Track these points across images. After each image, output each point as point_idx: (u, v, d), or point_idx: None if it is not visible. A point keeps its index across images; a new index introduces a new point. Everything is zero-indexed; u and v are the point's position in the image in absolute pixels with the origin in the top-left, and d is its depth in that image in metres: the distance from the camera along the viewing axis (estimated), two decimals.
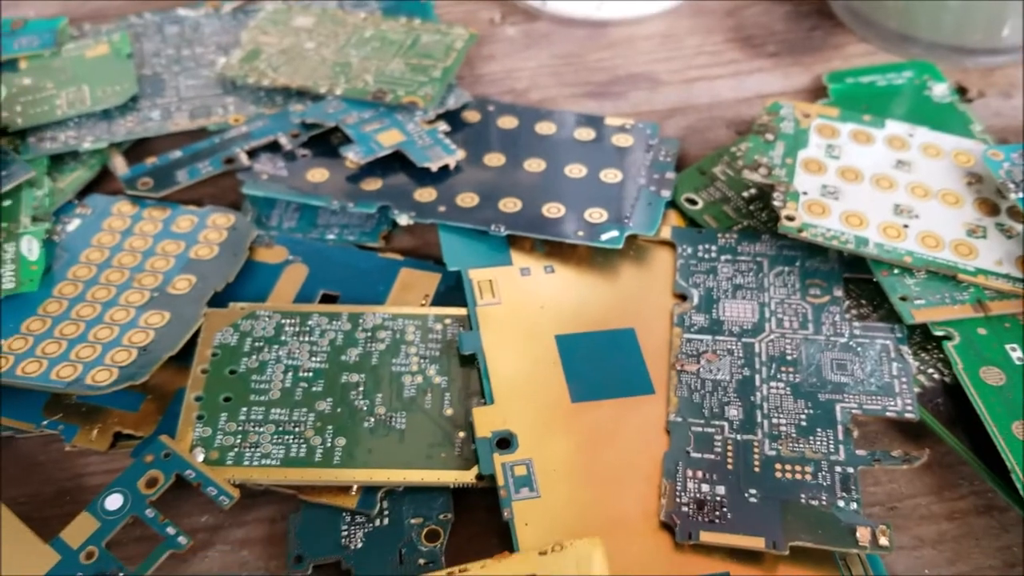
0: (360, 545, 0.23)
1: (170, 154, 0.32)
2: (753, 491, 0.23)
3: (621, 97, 0.35)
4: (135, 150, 0.33)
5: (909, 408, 0.24)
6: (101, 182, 0.32)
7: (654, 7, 0.38)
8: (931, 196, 0.28)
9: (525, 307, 0.27)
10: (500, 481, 0.23)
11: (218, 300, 0.27)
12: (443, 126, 0.32)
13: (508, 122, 0.33)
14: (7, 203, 0.31)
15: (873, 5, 0.35)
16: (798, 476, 0.23)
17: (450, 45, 0.35)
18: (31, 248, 0.29)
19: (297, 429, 0.24)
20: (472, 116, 0.33)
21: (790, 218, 0.28)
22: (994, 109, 0.33)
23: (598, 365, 0.26)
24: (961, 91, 0.34)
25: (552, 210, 0.29)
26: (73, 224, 0.30)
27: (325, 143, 0.32)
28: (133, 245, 0.29)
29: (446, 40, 0.35)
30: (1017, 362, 0.25)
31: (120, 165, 0.32)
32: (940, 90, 0.33)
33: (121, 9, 0.40)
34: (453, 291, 0.28)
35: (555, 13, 0.38)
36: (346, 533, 0.23)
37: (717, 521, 0.22)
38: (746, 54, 0.36)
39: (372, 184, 0.30)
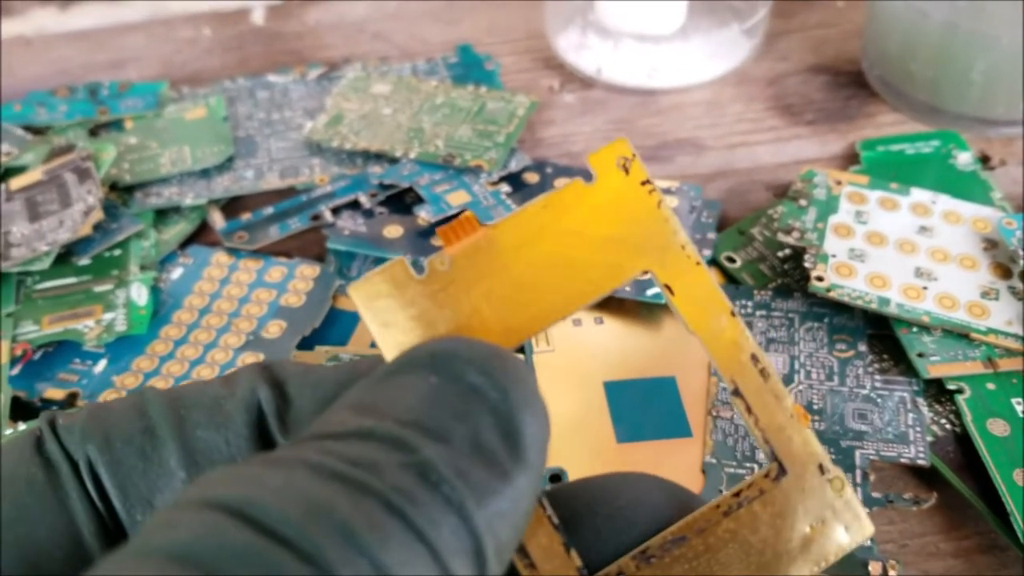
0: None
1: (263, 210, 0.36)
2: None
3: (668, 161, 0.38)
4: (231, 206, 0.37)
5: (922, 455, 0.27)
6: (201, 234, 0.36)
7: (700, 77, 0.41)
8: (950, 260, 0.31)
9: (577, 355, 0.30)
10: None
11: (305, 344, 0.31)
12: (505, 187, 0.35)
13: (564, 183, 0.36)
14: (118, 252, 0.34)
15: (904, 78, 0.38)
16: None
17: (513, 112, 0.38)
18: (140, 294, 0.33)
19: None
20: (531, 177, 0.37)
21: (820, 278, 0.30)
22: (1013, 177, 0.36)
23: (642, 409, 0.29)
24: (984, 160, 0.36)
25: None
26: (176, 272, 0.34)
27: (400, 202, 0.36)
28: (230, 293, 0.33)
29: (509, 107, 0.39)
30: (1021, 415, 0.27)
31: (218, 220, 0.36)
32: (964, 159, 0.36)
33: (216, 74, 0.44)
34: None
35: (609, 82, 0.41)
36: None
37: None
38: (785, 121, 0.39)
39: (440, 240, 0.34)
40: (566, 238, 0.16)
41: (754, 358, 0.16)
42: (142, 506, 0.15)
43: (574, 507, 0.16)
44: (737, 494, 0.16)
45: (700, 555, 0.16)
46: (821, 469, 0.16)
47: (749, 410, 0.16)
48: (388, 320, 0.15)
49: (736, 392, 0.16)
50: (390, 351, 0.15)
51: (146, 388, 0.17)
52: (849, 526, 0.16)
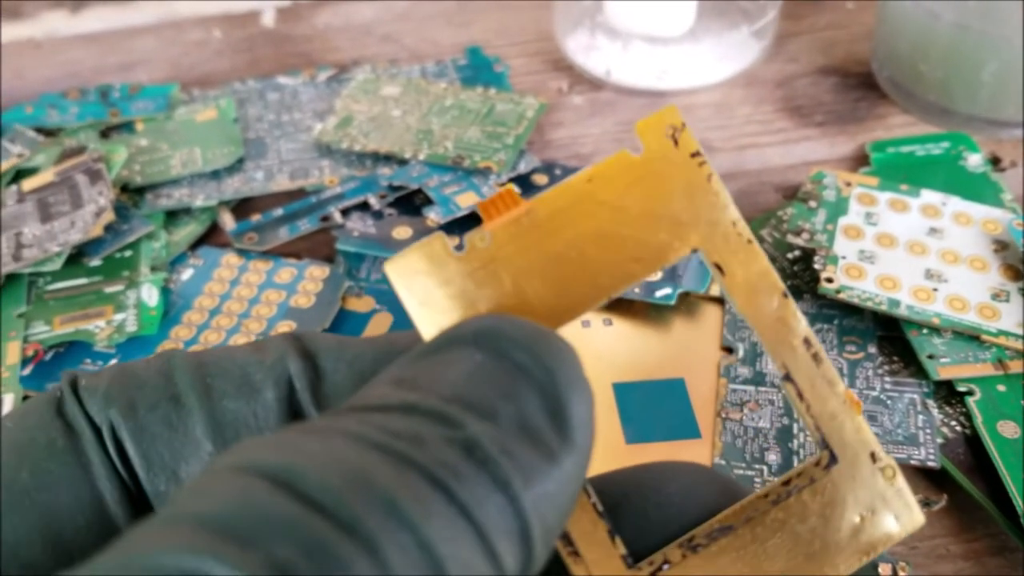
0: None
1: (272, 212, 0.36)
2: None
3: None
4: (241, 207, 0.37)
5: (931, 457, 0.27)
6: (211, 236, 0.36)
7: (710, 79, 0.41)
8: (960, 262, 0.31)
9: (585, 357, 0.30)
10: None
11: None
12: (514, 189, 0.35)
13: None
14: (128, 254, 0.35)
15: (914, 79, 0.38)
16: None
17: (522, 114, 0.38)
18: (150, 295, 0.33)
19: None
20: (540, 179, 0.37)
21: (829, 280, 0.30)
22: None
23: (650, 411, 0.29)
24: (994, 161, 0.36)
25: None
26: (187, 273, 0.34)
27: (409, 203, 0.36)
28: (240, 294, 0.33)
29: (518, 109, 0.39)
30: None
31: (228, 221, 0.36)
32: (974, 160, 0.36)
33: (226, 76, 0.44)
34: None
35: (619, 83, 0.41)
36: None
37: None
38: (795, 123, 0.39)
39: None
40: (611, 213, 0.15)
41: (807, 342, 0.16)
42: (166, 475, 0.15)
43: (620, 493, 0.16)
44: (787, 483, 0.16)
45: (747, 544, 0.15)
46: (873, 457, 0.16)
47: (800, 396, 0.16)
48: (425, 298, 0.15)
49: (787, 377, 0.16)
50: (427, 330, 0.15)
51: (172, 351, 0.16)
52: (899, 515, 0.16)
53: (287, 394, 0.16)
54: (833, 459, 0.16)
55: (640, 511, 0.16)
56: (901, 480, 0.16)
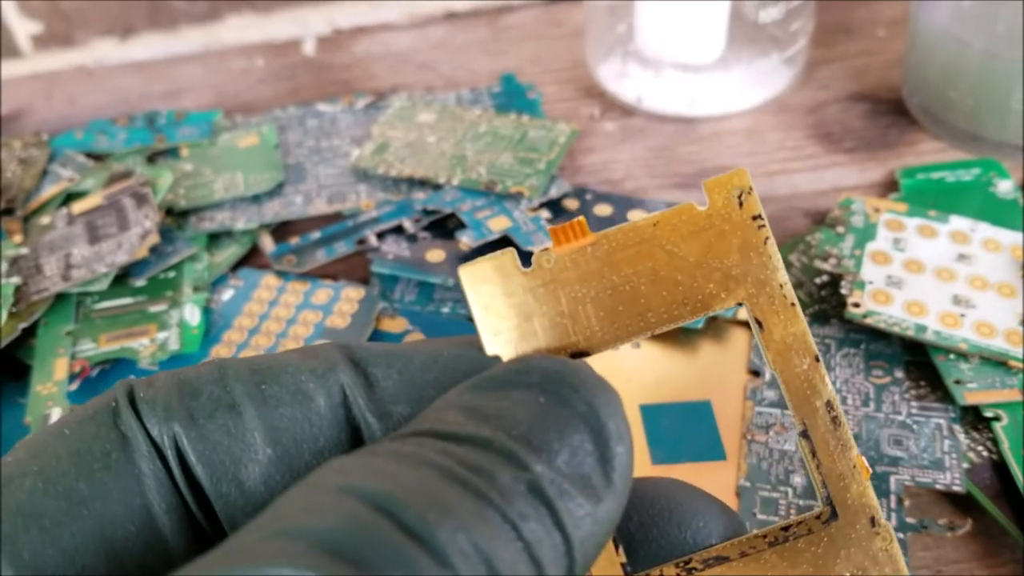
0: None
1: (310, 235, 0.37)
2: None
3: None
4: (280, 230, 0.38)
5: (957, 482, 0.27)
6: (251, 258, 0.37)
7: (740, 106, 0.42)
8: (988, 288, 0.31)
9: (613, 379, 0.30)
10: None
11: None
12: (545, 213, 0.36)
13: (603, 209, 0.37)
14: (172, 275, 0.36)
15: (945, 106, 0.38)
16: None
17: (554, 140, 0.39)
18: (193, 314, 0.34)
19: None
20: (571, 204, 0.37)
21: (856, 305, 0.31)
22: None
23: (677, 433, 0.29)
24: None
25: None
26: (227, 294, 0.35)
27: (443, 227, 0.36)
28: (278, 314, 0.34)
29: (551, 135, 0.39)
30: None
31: (268, 243, 0.37)
32: (1005, 187, 0.36)
33: (268, 103, 0.45)
34: None
35: (650, 110, 0.42)
36: None
37: None
38: (825, 149, 0.40)
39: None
40: (668, 258, 0.16)
41: (829, 405, 0.17)
42: (227, 480, 0.16)
43: (634, 504, 0.17)
44: (786, 528, 0.16)
45: None
46: (873, 522, 0.16)
47: (814, 454, 0.17)
48: (489, 304, 0.16)
49: (804, 434, 0.17)
50: (486, 333, 0.16)
51: (223, 359, 0.17)
52: None
53: (340, 401, 0.17)
54: (834, 515, 0.16)
55: (649, 527, 0.17)
56: (896, 546, 0.17)
